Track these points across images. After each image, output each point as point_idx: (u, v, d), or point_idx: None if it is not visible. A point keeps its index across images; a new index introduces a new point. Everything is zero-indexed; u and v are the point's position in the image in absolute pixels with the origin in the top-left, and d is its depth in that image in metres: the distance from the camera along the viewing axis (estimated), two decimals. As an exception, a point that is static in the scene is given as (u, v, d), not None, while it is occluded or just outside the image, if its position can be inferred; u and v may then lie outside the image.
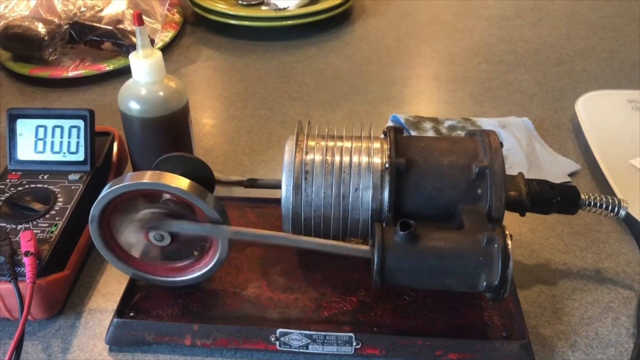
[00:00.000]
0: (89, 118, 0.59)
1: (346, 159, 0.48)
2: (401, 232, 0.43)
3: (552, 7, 1.10)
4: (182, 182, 0.45)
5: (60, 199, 0.55)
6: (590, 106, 0.75)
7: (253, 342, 0.47)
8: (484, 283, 0.42)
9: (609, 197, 0.51)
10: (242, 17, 0.98)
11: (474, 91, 0.84)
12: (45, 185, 0.57)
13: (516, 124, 0.74)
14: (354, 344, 0.46)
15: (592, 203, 0.50)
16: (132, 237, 0.47)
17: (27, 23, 0.85)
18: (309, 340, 0.47)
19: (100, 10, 0.89)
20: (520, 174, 0.50)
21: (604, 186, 0.64)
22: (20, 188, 0.57)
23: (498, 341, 0.46)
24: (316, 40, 0.98)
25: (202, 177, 0.48)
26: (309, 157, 0.48)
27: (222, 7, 0.99)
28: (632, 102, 0.76)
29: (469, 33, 1.01)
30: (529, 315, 0.51)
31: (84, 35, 0.87)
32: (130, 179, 0.45)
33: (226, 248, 0.47)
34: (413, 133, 0.72)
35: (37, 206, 0.55)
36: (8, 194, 0.56)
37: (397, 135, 0.49)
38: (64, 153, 0.59)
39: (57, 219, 0.53)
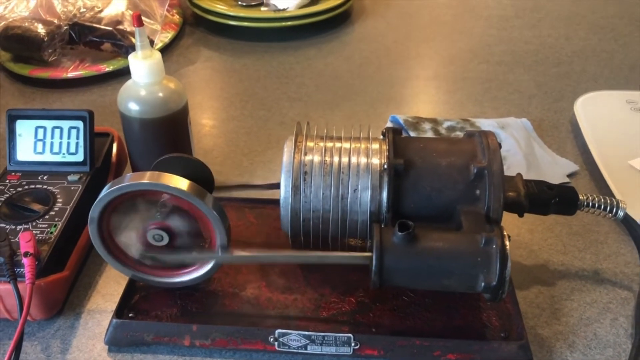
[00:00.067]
0: (89, 119, 0.59)
1: (345, 159, 0.48)
2: (400, 233, 0.43)
3: (552, 8, 1.10)
4: (181, 183, 0.45)
5: (60, 200, 0.55)
6: (589, 107, 0.76)
7: (252, 342, 0.47)
8: (482, 284, 0.42)
9: (607, 198, 0.51)
10: (242, 17, 0.98)
11: (473, 92, 0.84)
12: (45, 186, 0.57)
13: (515, 125, 0.74)
14: (353, 344, 0.47)
15: (591, 204, 0.50)
16: (131, 238, 0.48)
17: (26, 24, 0.85)
18: (308, 341, 0.47)
19: (100, 11, 0.89)
20: (519, 174, 0.50)
21: (603, 187, 0.64)
22: (20, 189, 0.57)
23: (496, 342, 0.46)
24: (315, 41, 0.99)
25: (201, 177, 0.48)
26: (308, 158, 0.48)
27: (221, 8, 0.99)
28: (631, 103, 0.76)
29: (468, 34, 1.02)
30: (528, 316, 0.51)
31: (84, 36, 0.87)
32: (130, 180, 0.45)
33: (225, 249, 0.47)
34: (412, 134, 0.72)
35: (36, 207, 0.55)
36: (7, 195, 0.56)
37: (395, 136, 0.49)
38: (64, 154, 0.59)
39: (56, 219, 0.53)
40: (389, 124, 0.75)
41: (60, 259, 0.52)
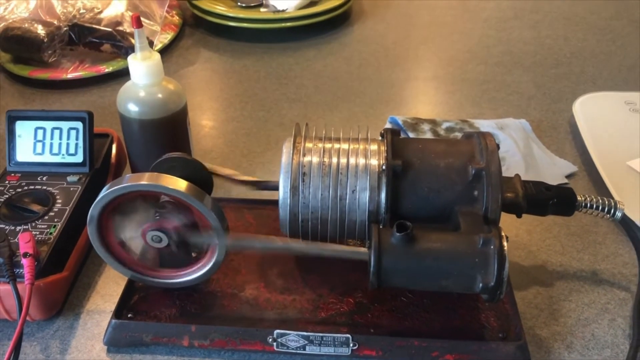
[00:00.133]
0: (88, 120, 0.59)
1: (343, 160, 0.48)
2: (398, 234, 0.43)
3: (550, 9, 1.10)
4: (180, 184, 0.45)
5: (59, 201, 0.56)
6: (587, 108, 0.76)
7: (250, 343, 0.47)
8: (480, 284, 0.43)
9: (605, 198, 0.51)
10: (241, 19, 0.98)
11: (472, 93, 0.85)
12: (44, 187, 0.57)
13: (514, 126, 0.74)
14: (351, 345, 0.47)
15: (588, 205, 0.51)
16: (131, 239, 0.48)
17: (26, 25, 0.85)
18: (306, 342, 0.47)
19: (100, 12, 0.89)
20: (517, 175, 0.51)
21: (601, 188, 0.64)
22: (19, 189, 0.57)
23: (494, 342, 0.46)
24: (315, 42, 0.99)
25: (200, 178, 0.48)
26: (307, 159, 0.48)
27: (221, 9, 0.99)
28: (629, 104, 0.76)
29: (467, 35, 1.02)
30: (526, 317, 0.51)
31: (83, 37, 0.88)
32: (129, 181, 0.45)
33: (224, 250, 0.47)
34: (411, 135, 0.72)
35: (36, 208, 0.55)
36: (7, 196, 0.56)
37: (393, 137, 0.49)
38: (63, 155, 0.59)
39: (55, 220, 0.54)
40: (388, 125, 0.75)
41: (59, 260, 0.52)
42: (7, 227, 0.53)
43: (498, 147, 0.48)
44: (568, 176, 0.68)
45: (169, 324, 0.48)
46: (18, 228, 0.53)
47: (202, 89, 0.87)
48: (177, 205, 0.46)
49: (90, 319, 0.52)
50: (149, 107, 0.56)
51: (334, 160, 0.48)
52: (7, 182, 0.58)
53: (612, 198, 0.52)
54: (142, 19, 0.54)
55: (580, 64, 0.92)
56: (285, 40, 0.99)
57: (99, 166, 0.60)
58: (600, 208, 0.51)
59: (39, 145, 0.59)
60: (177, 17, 1.02)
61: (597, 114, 0.75)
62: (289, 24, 0.98)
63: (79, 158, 0.59)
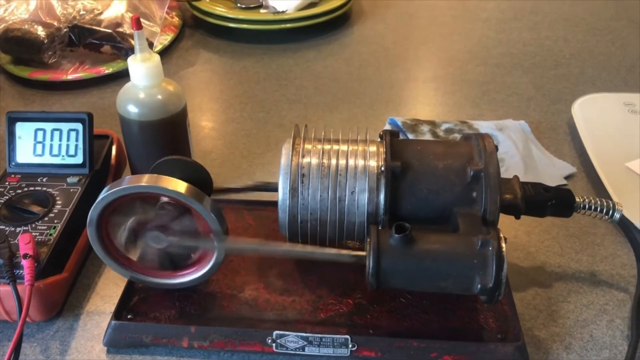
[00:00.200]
0: (88, 121, 0.59)
1: (342, 162, 0.48)
2: (396, 235, 0.43)
3: (550, 10, 1.10)
4: (179, 186, 0.45)
5: (59, 202, 0.56)
6: (586, 109, 0.76)
7: (250, 344, 0.47)
8: (479, 285, 0.43)
9: (603, 200, 0.51)
10: (241, 20, 0.98)
11: (471, 94, 0.85)
12: (44, 188, 0.57)
13: (513, 127, 0.74)
14: (350, 346, 0.47)
15: (587, 206, 0.51)
16: (130, 240, 0.48)
17: (26, 26, 0.85)
18: (305, 342, 0.47)
19: (100, 14, 0.90)
20: (516, 177, 0.51)
21: (600, 189, 0.64)
22: (19, 191, 0.57)
23: (493, 343, 0.46)
24: (315, 43, 0.99)
25: (200, 180, 0.49)
26: (306, 160, 0.48)
27: (221, 10, 0.99)
28: (628, 105, 0.77)
29: (466, 36, 1.02)
30: (524, 318, 0.51)
31: (84, 39, 0.88)
32: (129, 182, 0.45)
33: (223, 251, 0.47)
34: (410, 136, 0.72)
35: (36, 209, 0.55)
36: (7, 197, 0.56)
37: (392, 139, 0.49)
38: (63, 156, 0.59)
39: (55, 221, 0.54)
40: (388, 126, 0.75)
41: (59, 261, 0.52)
42: (7, 229, 0.53)
43: (497, 148, 0.48)
44: (567, 177, 0.68)
45: (169, 325, 0.48)
46: (18, 229, 0.53)
47: (202, 90, 0.87)
48: (176, 207, 0.46)
49: (90, 320, 0.52)
50: (148, 108, 0.56)
51: (333, 161, 0.48)
52: (7, 183, 0.58)
53: (611, 199, 0.52)
54: (142, 20, 0.54)
55: (579, 65, 0.92)
56: (285, 41, 0.99)
57: (98, 167, 0.60)
58: (598, 209, 0.51)
59: (39, 146, 0.60)
60: (177, 19, 1.02)
61: (596, 115, 0.75)
62: (288, 25, 0.98)
63: (78, 159, 0.59)
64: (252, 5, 1.02)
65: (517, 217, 0.49)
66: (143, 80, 0.56)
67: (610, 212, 0.51)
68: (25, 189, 0.57)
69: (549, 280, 0.55)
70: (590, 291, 0.54)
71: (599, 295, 0.54)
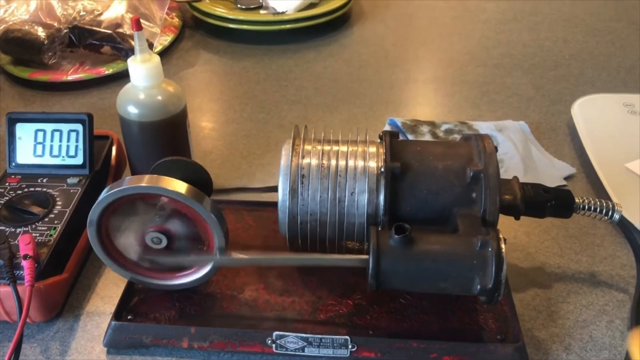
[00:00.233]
0: (88, 122, 0.59)
1: (342, 163, 0.48)
2: (396, 236, 0.43)
3: (550, 11, 1.10)
4: (179, 186, 0.45)
5: (59, 203, 0.56)
6: (586, 110, 0.76)
7: (250, 344, 0.47)
8: (478, 286, 0.43)
9: (602, 200, 0.51)
10: (241, 20, 0.98)
11: (471, 95, 0.85)
12: (44, 189, 0.57)
13: (513, 128, 0.74)
14: (350, 346, 0.47)
15: (586, 207, 0.51)
16: (130, 241, 0.48)
17: (27, 27, 0.85)
18: (305, 343, 0.47)
19: (100, 14, 0.90)
20: (515, 177, 0.51)
21: (599, 190, 0.64)
22: (20, 191, 0.57)
23: (493, 344, 0.46)
24: (314, 44, 0.99)
25: (200, 180, 0.49)
26: (306, 161, 0.48)
27: (221, 11, 0.99)
28: (628, 106, 0.77)
29: (466, 36, 1.02)
30: (524, 318, 0.51)
31: (84, 39, 0.88)
32: (129, 183, 0.45)
33: (223, 253, 0.47)
34: (410, 136, 0.72)
35: (36, 210, 0.55)
36: (7, 198, 0.56)
37: (392, 140, 0.49)
38: (63, 157, 0.59)
39: (55, 222, 0.54)
40: (387, 127, 0.75)
41: (59, 262, 0.52)
42: (7, 229, 0.53)
43: (496, 149, 0.48)
44: (566, 178, 0.68)
45: (169, 326, 0.48)
46: (18, 230, 0.53)
47: (202, 90, 0.88)
48: (176, 207, 0.47)
49: (90, 320, 0.52)
50: (148, 109, 0.56)
51: (333, 162, 0.48)
52: (7, 184, 0.58)
53: (610, 200, 0.52)
54: (142, 21, 0.54)
55: (579, 65, 0.92)
56: (285, 42, 0.99)
57: (99, 168, 0.61)
58: (598, 210, 0.51)
59: (39, 147, 0.60)
60: (177, 19, 1.02)
61: (595, 116, 0.75)
62: (288, 26, 0.98)
63: (79, 160, 0.59)
64: (252, 6, 1.02)
65: (517, 218, 0.49)
66: (143, 81, 0.56)
67: (610, 213, 0.51)
68: (26, 190, 0.57)
69: (548, 281, 0.55)
70: (590, 292, 0.54)
71: (598, 296, 0.54)
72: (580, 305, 0.53)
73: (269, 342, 0.47)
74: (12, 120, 0.60)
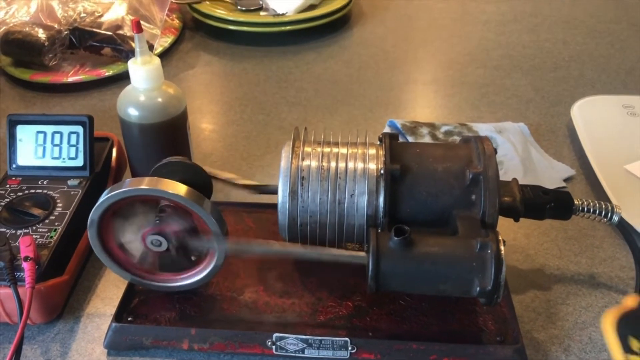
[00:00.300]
0: (88, 124, 0.59)
1: (342, 165, 0.48)
2: (396, 238, 0.43)
3: (550, 13, 1.10)
4: (179, 189, 0.45)
5: (60, 204, 0.56)
6: (586, 111, 0.76)
7: (250, 346, 0.48)
8: (478, 288, 0.43)
9: (602, 202, 0.51)
10: (241, 22, 0.98)
11: (471, 96, 0.85)
12: (45, 191, 0.57)
13: (512, 129, 0.74)
14: (350, 348, 0.47)
15: (586, 209, 0.51)
16: (131, 242, 0.48)
17: (27, 29, 0.86)
18: (305, 345, 0.47)
19: (100, 16, 0.90)
20: (514, 179, 0.51)
21: (599, 191, 0.64)
22: (20, 193, 0.57)
23: (492, 346, 0.46)
24: (314, 46, 0.99)
25: (200, 182, 0.49)
26: (305, 163, 0.48)
27: (221, 13, 0.99)
28: (627, 108, 0.77)
29: (466, 38, 1.02)
30: (523, 320, 0.51)
31: (84, 41, 0.88)
32: (129, 185, 0.45)
33: (223, 254, 0.47)
34: (410, 138, 0.72)
35: (36, 211, 0.55)
36: (8, 199, 0.56)
37: (392, 142, 0.49)
38: (64, 159, 0.59)
39: (56, 224, 0.54)
40: (387, 129, 0.76)
41: (60, 263, 0.52)
42: (8, 231, 0.53)
43: (495, 151, 0.48)
44: (566, 180, 0.68)
45: (169, 327, 0.48)
46: (19, 232, 0.53)
47: (202, 92, 0.88)
48: (176, 210, 0.47)
49: (91, 322, 0.52)
50: (148, 111, 0.57)
51: (333, 164, 0.48)
52: (8, 186, 0.58)
53: (610, 202, 0.53)
54: (142, 22, 0.54)
55: (579, 67, 0.92)
56: (284, 43, 0.99)
57: (99, 170, 0.61)
58: (597, 212, 0.51)
59: (40, 149, 0.60)
60: (177, 21, 1.03)
61: (595, 117, 0.75)
62: (288, 28, 0.99)
63: (79, 162, 0.59)
64: (252, 8, 1.02)
65: (516, 220, 0.49)
66: (143, 82, 0.56)
67: (609, 215, 0.51)
68: (26, 192, 0.57)
69: (547, 283, 0.55)
70: (589, 293, 0.54)
71: (597, 297, 0.54)
72: (580, 307, 0.53)
73: (269, 343, 0.47)
74: (13, 122, 0.60)
